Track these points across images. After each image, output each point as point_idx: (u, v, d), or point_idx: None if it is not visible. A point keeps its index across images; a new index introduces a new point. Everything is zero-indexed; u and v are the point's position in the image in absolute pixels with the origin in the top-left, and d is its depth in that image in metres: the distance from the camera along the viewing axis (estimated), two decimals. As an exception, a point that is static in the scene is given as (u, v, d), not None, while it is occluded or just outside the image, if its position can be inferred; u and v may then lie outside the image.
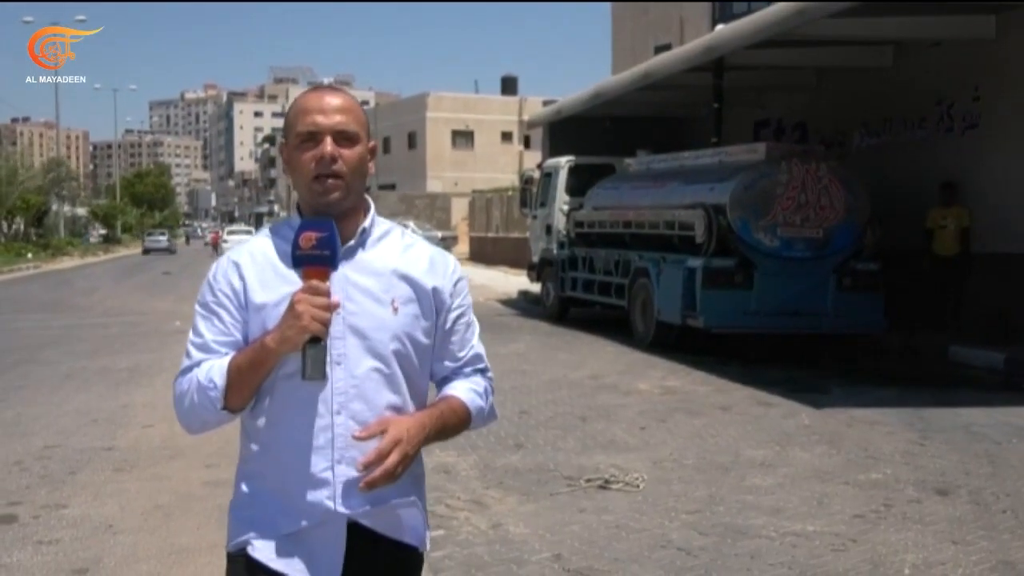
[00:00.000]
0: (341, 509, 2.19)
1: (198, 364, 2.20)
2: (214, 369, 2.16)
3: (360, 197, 2.28)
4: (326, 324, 2.06)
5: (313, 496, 2.18)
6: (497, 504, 6.36)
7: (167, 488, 6.76)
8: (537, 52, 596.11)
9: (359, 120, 2.24)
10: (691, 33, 27.23)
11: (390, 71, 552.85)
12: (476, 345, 2.43)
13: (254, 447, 2.26)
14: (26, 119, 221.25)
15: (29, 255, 47.60)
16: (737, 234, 12.62)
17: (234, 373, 2.14)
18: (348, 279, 2.20)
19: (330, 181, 2.17)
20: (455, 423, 2.32)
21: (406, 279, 2.26)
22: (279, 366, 2.15)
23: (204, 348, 2.21)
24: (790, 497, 6.47)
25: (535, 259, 19.65)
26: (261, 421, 2.23)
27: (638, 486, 6.71)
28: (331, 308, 2.07)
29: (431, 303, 2.29)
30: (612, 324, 15.87)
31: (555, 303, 18.16)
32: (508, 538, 5.67)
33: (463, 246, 44.30)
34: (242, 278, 2.24)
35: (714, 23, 24.84)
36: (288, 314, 2.07)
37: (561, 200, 18.31)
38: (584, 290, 17.03)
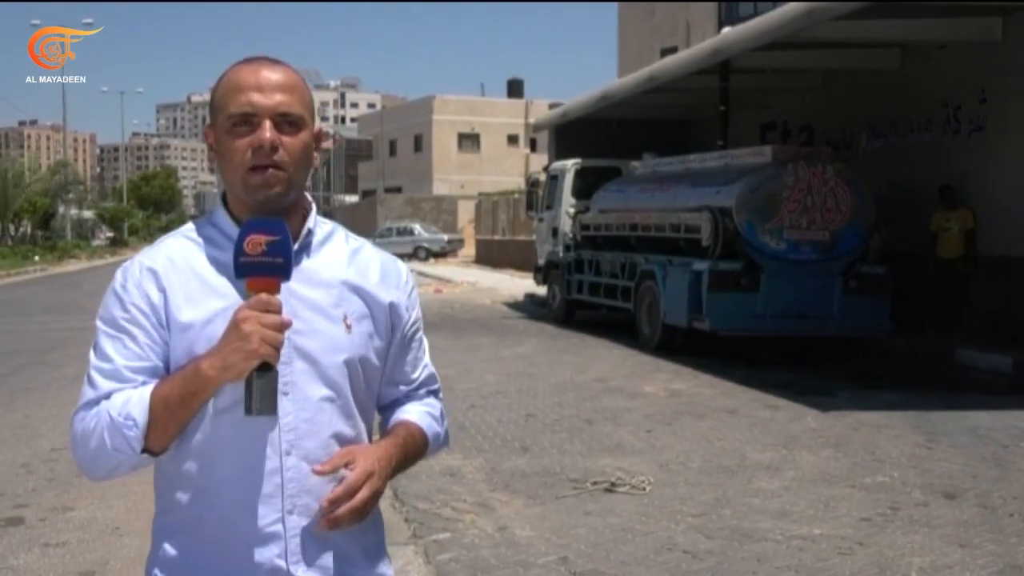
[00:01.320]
0: (295, 569, 1.82)
1: (107, 396, 1.78)
2: (131, 402, 1.75)
3: (302, 192, 1.91)
4: (278, 347, 1.71)
5: (260, 554, 1.80)
6: (503, 507, 6.36)
7: (174, 490, 6.76)
8: (543, 55, 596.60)
9: (303, 100, 1.86)
10: (697, 36, 27.25)
11: (396, 74, 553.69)
12: (429, 364, 2.12)
13: (181, 496, 1.84)
14: (33, 122, 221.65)
15: (36, 258, 47.73)
16: (743, 237, 12.61)
17: (159, 407, 1.74)
18: (292, 291, 1.82)
19: (270, 172, 1.80)
20: (415, 453, 2.00)
21: (358, 291, 1.92)
22: (212, 397, 1.78)
23: (114, 376, 1.79)
24: (796, 500, 6.47)
25: (541, 262, 19.65)
26: (189, 465, 1.82)
27: (644, 489, 6.71)
28: (284, 327, 1.73)
29: (387, 320, 1.96)
30: (618, 327, 15.85)
31: (561, 306, 18.14)
32: (514, 541, 5.66)
33: (469, 249, 44.31)
34: (162, 290, 1.83)
35: (720, 26, 24.84)
36: (231, 335, 1.71)
37: (567, 203, 18.33)
38: (590, 293, 17.02)
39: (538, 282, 20.26)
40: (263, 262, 1.73)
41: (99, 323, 1.85)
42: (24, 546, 5.70)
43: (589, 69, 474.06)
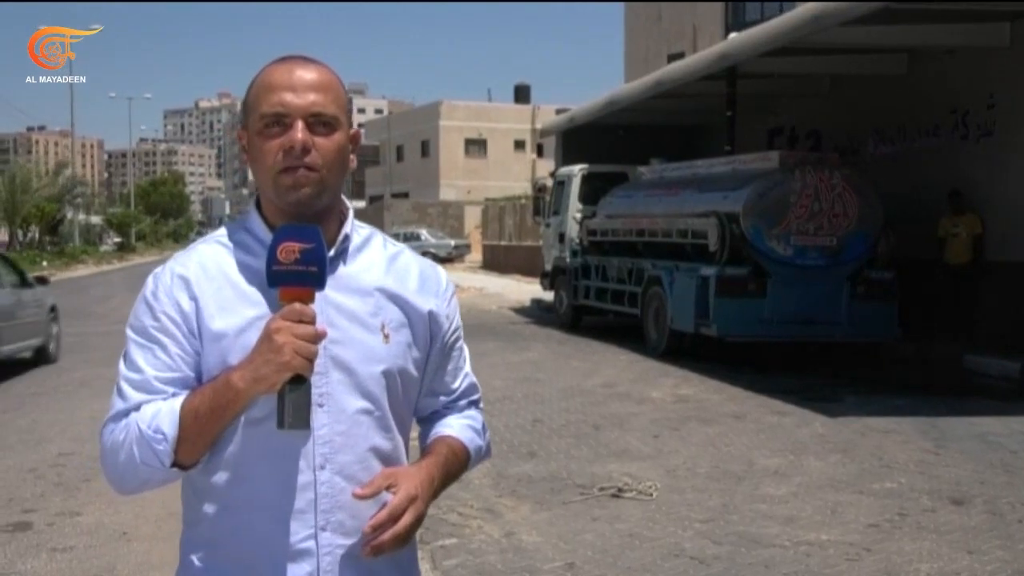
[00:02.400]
0: None
1: (136, 407, 1.73)
2: (161, 415, 1.70)
3: (337, 196, 1.84)
4: (312, 359, 1.65)
5: (291, 571, 1.75)
6: (510, 512, 6.36)
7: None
8: (550, 60, 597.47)
9: (338, 101, 1.80)
10: (704, 41, 27.23)
11: (403, 79, 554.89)
12: (469, 373, 2.05)
13: (208, 509, 1.79)
14: (41, 128, 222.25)
15: (44, 263, 47.78)
16: (750, 242, 12.60)
17: (189, 420, 1.69)
18: (328, 299, 1.76)
19: (301, 172, 1.73)
20: (457, 470, 1.95)
21: (396, 300, 1.85)
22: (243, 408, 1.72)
23: (143, 387, 1.74)
24: (804, 506, 6.45)
25: (548, 267, 19.67)
26: (220, 477, 1.76)
27: (651, 495, 6.70)
28: (318, 339, 1.66)
29: (426, 329, 1.89)
30: (625, 332, 15.85)
31: (568, 311, 18.15)
32: (521, 546, 5.66)
33: (476, 254, 44.34)
34: (193, 298, 1.77)
35: (727, 31, 24.83)
36: (263, 346, 1.65)
37: (574, 208, 18.34)
38: (597, 298, 17.02)
39: (545, 287, 20.27)
40: (296, 271, 1.66)
41: (129, 332, 1.79)
42: (32, 551, 5.71)
43: (596, 74, 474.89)
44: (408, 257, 1.93)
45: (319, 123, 1.75)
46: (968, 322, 13.48)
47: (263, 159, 1.76)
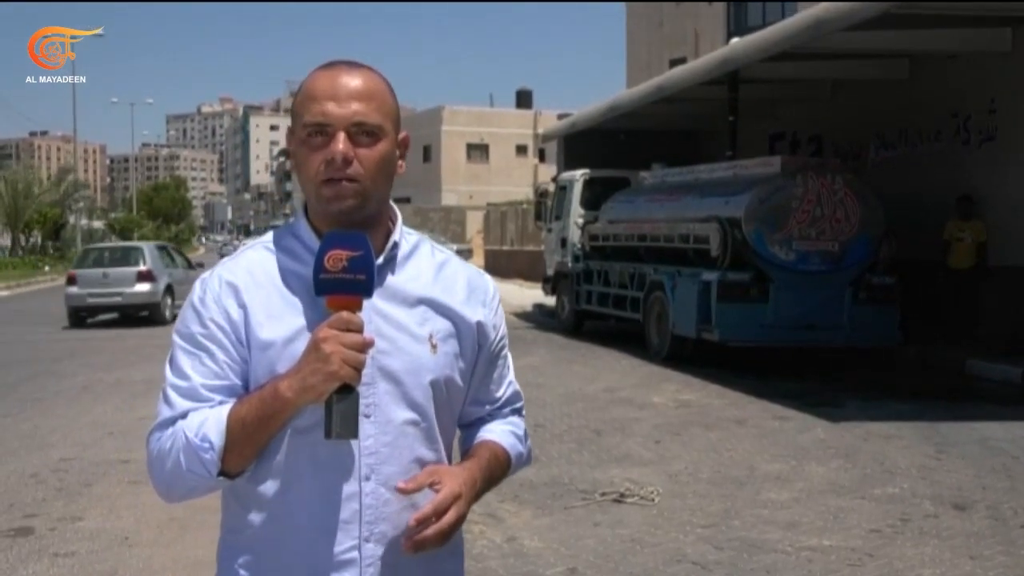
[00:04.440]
0: None
1: (183, 415, 1.71)
2: (208, 423, 1.68)
3: (384, 204, 1.81)
4: (360, 368, 1.62)
5: None
6: (512, 518, 6.35)
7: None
8: (552, 65, 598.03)
9: (384, 108, 1.76)
10: (706, 46, 27.27)
11: (405, 84, 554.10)
12: (513, 381, 2.04)
13: (252, 517, 1.77)
14: (44, 133, 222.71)
15: (46, 268, 47.86)
16: (752, 247, 12.59)
17: (236, 429, 1.67)
18: (376, 308, 1.74)
19: (343, 184, 1.71)
20: (498, 475, 1.93)
21: (444, 310, 1.84)
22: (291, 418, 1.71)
23: (191, 394, 1.72)
24: (806, 511, 6.45)
25: (550, 272, 19.67)
26: (265, 486, 1.75)
27: (653, 500, 6.70)
28: (366, 348, 1.64)
29: (473, 340, 1.88)
30: (627, 337, 15.84)
31: (570, 316, 18.15)
32: (523, 552, 5.66)
33: (478, 259, 44.33)
34: (242, 305, 1.75)
35: (729, 36, 24.86)
36: (311, 355, 1.62)
37: (576, 213, 18.33)
38: (599, 303, 17.02)
39: (547, 292, 20.28)
40: (344, 279, 1.64)
41: (176, 338, 1.78)
42: (33, 556, 5.71)
43: (598, 80, 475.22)
44: (456, 265, 1.92)
45: (362, 133, 1.72)
46: (970, 327, 13.47)
47: (307, 168, 1.74)
